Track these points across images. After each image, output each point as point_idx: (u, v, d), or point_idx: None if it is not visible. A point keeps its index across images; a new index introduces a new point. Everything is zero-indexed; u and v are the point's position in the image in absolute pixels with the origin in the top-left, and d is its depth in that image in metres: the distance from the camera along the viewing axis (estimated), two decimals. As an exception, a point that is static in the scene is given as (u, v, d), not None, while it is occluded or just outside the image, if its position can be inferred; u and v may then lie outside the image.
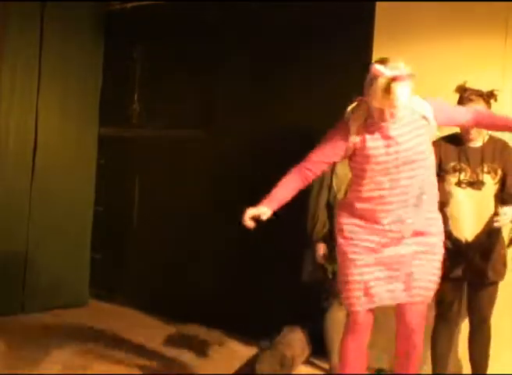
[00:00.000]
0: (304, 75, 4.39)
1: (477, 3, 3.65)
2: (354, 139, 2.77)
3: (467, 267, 3.22)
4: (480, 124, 2.94)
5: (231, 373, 3.70)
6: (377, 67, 2.63)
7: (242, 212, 2.76)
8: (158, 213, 5.16)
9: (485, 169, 3.23)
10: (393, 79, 2.59)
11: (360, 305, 2.83)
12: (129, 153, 5.37)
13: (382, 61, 2.66)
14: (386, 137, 2.74)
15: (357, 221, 2.85)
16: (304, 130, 4.15)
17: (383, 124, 2.73)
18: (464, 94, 3.25)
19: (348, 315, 2.95)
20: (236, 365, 3.86)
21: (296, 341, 3.98)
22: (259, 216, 2.77)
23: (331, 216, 3.64)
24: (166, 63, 5.12)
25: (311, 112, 4.30)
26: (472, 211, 3.21)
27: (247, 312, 4.52)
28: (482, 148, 3.27)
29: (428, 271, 2.83)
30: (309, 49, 4.38)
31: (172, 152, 5.09)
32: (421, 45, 3.86)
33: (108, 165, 5.41)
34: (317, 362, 4.05)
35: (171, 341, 4.36)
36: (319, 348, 4.02)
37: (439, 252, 2.87)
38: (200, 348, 4.18)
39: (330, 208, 3.71)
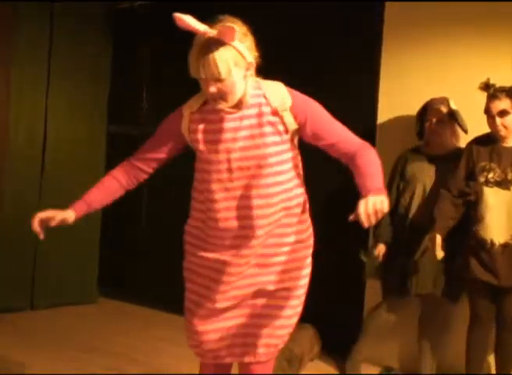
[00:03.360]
0: (312, 75, 4.39)
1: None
2: (185, 126, 2.18)
3: (491, 269, 3.18)
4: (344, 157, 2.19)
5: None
6: (187, 20, 2.02)
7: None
8: (167, 210, 5.17)
9: None
10: (212, 39, 1.99)
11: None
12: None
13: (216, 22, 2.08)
14: (220, 130, 2.12)
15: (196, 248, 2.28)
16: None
17: (221, 113, 2.11)
18: (489, 92, 3.23)
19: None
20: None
21: (304, 337, 3.98)
22: (59, 221, 2.19)
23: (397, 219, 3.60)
24: (175, 62, 5.12)
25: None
26: (500, 211, 3.17)
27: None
28: None
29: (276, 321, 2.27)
30: (317, 50, 4.38)
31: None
32: (430, 45, 3.86)
33: (117, 163, 5.41)
34: (326, 359, 4.05)
35: (181, 338, 4.36)
36: (329, 345, 4.03)
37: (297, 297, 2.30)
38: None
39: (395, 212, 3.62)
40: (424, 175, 3.54)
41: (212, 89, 2.03)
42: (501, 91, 3.22)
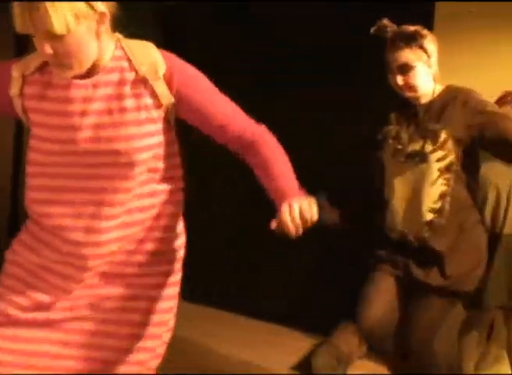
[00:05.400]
0: (359, 75, 4.31)
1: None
2: (16, 90, 1.59)
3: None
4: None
5: (287, 367, 3.69)
6: None
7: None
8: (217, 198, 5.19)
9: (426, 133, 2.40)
10: None
11: None
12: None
13: None
14: (65, 99, 1.56)
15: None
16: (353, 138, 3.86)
17: (61, 75, 1.56)
18: (385, 37, 2.44)
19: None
20: (293, 360, 3.83)
21: (352, 335, 3.94)
22: None
23: None
24: (218, 59, 5.12)
25: (361, 112, 4.22)
26: (408, 193, 2.47)
27: (303, 305, 4.53)
28: (428, 106, 2.46)
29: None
30: (367, 50, 4.31)
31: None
32: (481, 44, 3.76)
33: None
34: (374, 357, 4.00)
35: (219, 334, 4.33)
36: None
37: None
38: (254, 343, 4.16)
39: None
40: (496, 176, 2.92)
41: (47, 50, 1.48)
42: (401, 36, 2.37)
